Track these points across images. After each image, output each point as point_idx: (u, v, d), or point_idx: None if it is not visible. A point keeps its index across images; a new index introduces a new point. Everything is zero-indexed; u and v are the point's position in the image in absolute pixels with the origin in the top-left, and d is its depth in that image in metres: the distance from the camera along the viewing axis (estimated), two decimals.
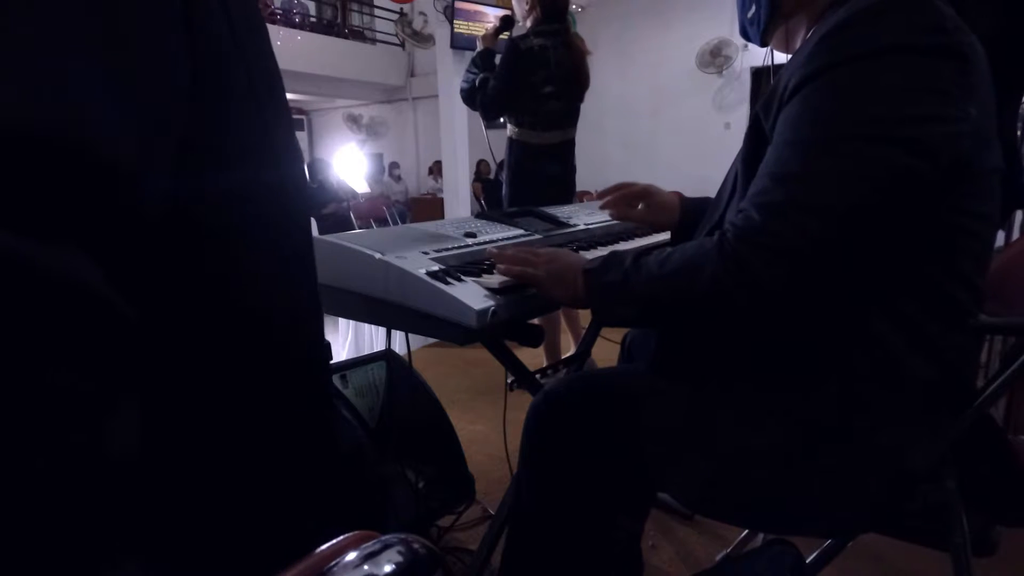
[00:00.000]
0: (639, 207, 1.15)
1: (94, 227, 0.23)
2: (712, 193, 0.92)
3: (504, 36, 2.51)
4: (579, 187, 2.75)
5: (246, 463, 0.36)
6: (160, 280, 0.29)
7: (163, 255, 0.28)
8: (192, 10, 0.28)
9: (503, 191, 2.57)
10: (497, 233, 1.13)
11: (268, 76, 0.34)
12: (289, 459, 0.39)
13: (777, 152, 0.70)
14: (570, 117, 2.46)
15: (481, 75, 2.39)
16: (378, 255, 0.87)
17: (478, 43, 2.50)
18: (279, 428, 0.38)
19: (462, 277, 0.86)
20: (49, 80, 0.21)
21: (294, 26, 8.59)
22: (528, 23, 2.36)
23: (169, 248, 0.28)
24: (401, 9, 8.14)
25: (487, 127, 2.70)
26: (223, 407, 0.34)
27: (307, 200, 0.37)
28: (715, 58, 7.06)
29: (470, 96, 2.43)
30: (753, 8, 0.88)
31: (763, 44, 0.91)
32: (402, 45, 9.61)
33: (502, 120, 2.59)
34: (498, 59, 2.40)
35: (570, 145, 2.52)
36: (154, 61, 0.26)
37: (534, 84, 2.32)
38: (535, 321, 1.90)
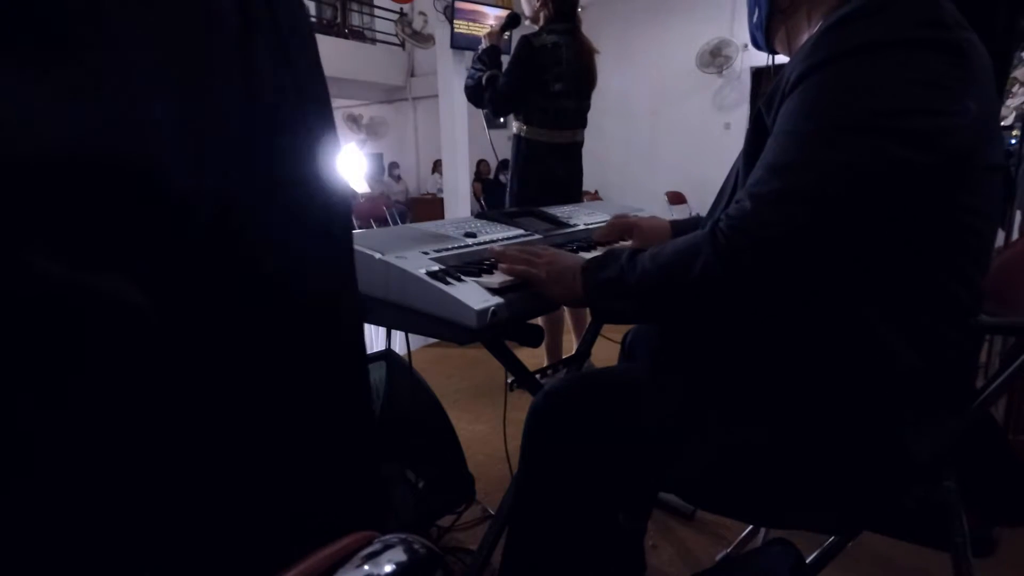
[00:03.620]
0: (630, 241, 1.17)
1: (144, 244, 0.24)
2: (712, 193, 0.92)
3: (507, 35, 2.50)
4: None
5: (251, 462, 0.36)
6: (208, 286, 0.29)
7: (213, 262, 0.29)
8: (249, 35, 0.29)
9: (508, 189, 2.55)
10: (497, 233, 1.13)
11: (315, 84, 0.35)
12: (294, 457, 0.39)
13: (775, 143, 0.71)
14: (580, 117, 2.45)
15: (488, 72, 2.36)
16: (378, 255, 0.87)
17: (484, 40, 2.47)
18: (286, 426, 0.38)
19: (462, 277, 0.86)
20: (131, 114, 0.22)
21: None
22: (540, 21, 2.36)
23: (218, 254, 0.29)
24: (401, 9, 8.14)
25: (489, 127, 2.69)
26: (233, 407, 0.34)
27: (346, 198, 0.38)
28: (715, 58, 7.06)
29: (475, 93, 2.40)
30: (756, 11, 0.90)
31: (769, 48, 0.93)
32: (402, 45, 9.61)
33: (502, 120, 2.56)
34: (504, 57, 2.39)
35: (578, 148, 2.50)
36: (221, 97, 0.27)
37: (545, 81, 2.30)
38: (535, 321, 1.91)
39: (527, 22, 2.45)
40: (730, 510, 0.89)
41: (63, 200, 0.21)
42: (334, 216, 0.38)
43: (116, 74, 0.22)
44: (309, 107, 0.35)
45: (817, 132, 0.67)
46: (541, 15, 2.35)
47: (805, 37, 0.84)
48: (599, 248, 1.18)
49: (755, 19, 0.91)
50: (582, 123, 2.48)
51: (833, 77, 0.68)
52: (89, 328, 0.22)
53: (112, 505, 0.24)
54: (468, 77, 2.45)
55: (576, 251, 1.13)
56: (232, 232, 0.30)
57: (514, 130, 2.46)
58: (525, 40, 2.30)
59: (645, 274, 0.75)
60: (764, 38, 0.91)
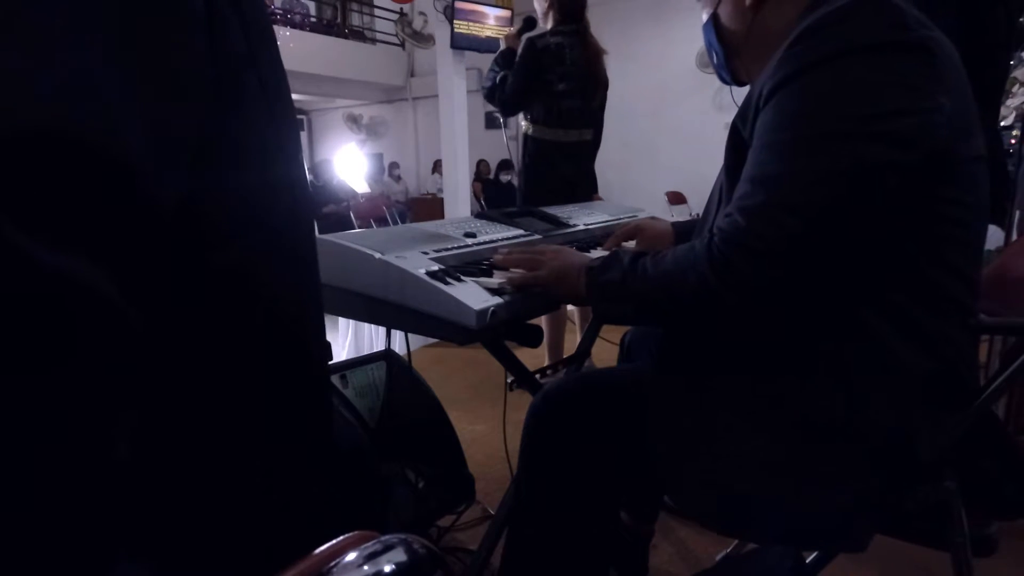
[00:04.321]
0: (633, 243, 1.18)
1: (107, 229, 0.23)
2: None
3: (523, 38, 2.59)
4: None
5: (249, 462, 0.36)
6: (173, 279, 0.29)
7: (178, 254, 0.29)
8: (214, 23, 0.29)
9: (517, 186, 2.62)
10: (497, 233, 1.13)
11: (277, 81, 0.35)
12: (291, 458, 0.39)
13: (756, 156, 0.72)
14: (586, 117, 2.51)
15: (502, 73, 2.46)
16: (378, 255, 0.87)
17: (501, 42, 2.58)
18: (282, 426, 0.38)
19: (462, 277, 0.86)
20: (79, 84, 0.22)
21: (294, 26, 8.59)
22: (548, 23, 2.43)
23: (184, 247, 0.29)
24: (401, 9, 8.14)
25: (488, 127, 2.74)
26: (228, 405, 0.34)
27: (311, 198, 0.38)
28: None
29: (491, 93, 2.50)
30: (714, 55, 0.93)
31: (737, 83, 0.95)
32: (402, 45, 9.61)
33: (502, 120, 2.59)
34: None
35: (586, 147, 2.55)
36: (180, 71, 0.27)
37: (549, 81, 2.39)
38: (535, 321, 1.91)
39: (541, 24, 2.52)
40: (734, 526, 0.86)
41: (27, 182, 0.20)
42: (300, 219, 0.37)
43: (76, 59, 0.22)
44: (275, 105, 0.34)
45: (796, 141, 0.68)
46: (549, 16, 2.42)
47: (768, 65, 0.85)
48: (601, 249, 1.18)
49: (715, 61, 0.94)
50: (590, 123, 2.54)
51: (805, 87, 0.69)
52: (68, 316, 0.21)
53: (106, 503, 0.24)
54: (485, 79, 2.55)
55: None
56: (198, 229, 0.30)
57: (523, 129, 2.54)
58: (529, 42, 2.39)
59: (646, 281, 0.76)
60: (729, 76, 0.93)
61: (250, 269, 0.34)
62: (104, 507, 0.24)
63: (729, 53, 0.90)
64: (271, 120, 0.34)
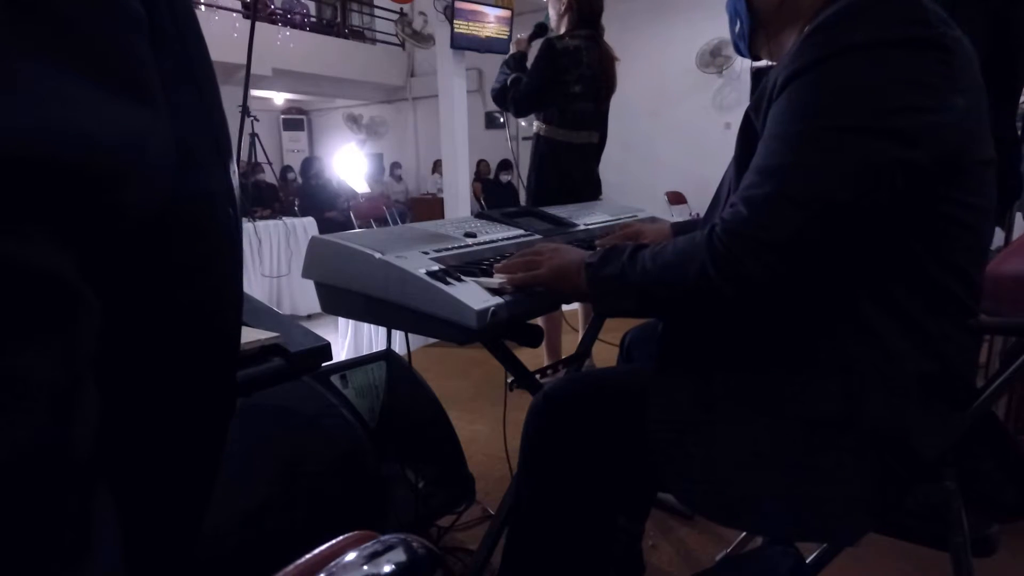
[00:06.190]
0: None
1: (75, 227, 0.23)
2: (712, 193, 0.92)
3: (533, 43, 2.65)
4: None
5: (206, 457, 0.36)
6: (138, 276, 0.29)
7: (146, 252, 0.29)
8: (154, 31, 0.29)
9: (526, 185, 2.68)
10: (497, 233, 1.13)
11: (211, 80, 0.35)
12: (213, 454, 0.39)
13: (765, 146, 0.71)
14: (596, 119, 2.56)
15: (513, 75, 2.53)
16: (378, 255, 0.87)
17: (511, 46, 2.66)
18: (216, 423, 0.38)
19: (462, 277, 0.86)
20: (50, 99, 0.22)
21: (294, 26, 8.59)
22: (563, 26, 2.48)
23: (152, 246, 0.29)
24: (401, 9, 8.13)
25: (488, 127, 2.77)
26: (182, 401, 0.35)
27: (238, 214, 0.38)
28: (715, 58, 7.06)
29: (501, 95, 2.56)
30: (738, 23, 0.92)
31: (753, 56, 0.94)
32: (402, 45, 9.60)
33: (501, 120, 2.63)
34: (530, 61, 2.54)
35: (591, 149, 2.61)
36: (133, 74, 0.27)
37: (565, 82, 2.44)
38: (535, 321, 1.91)
39: (554, 27, 2.56)
40: (734, 519, 0.87)
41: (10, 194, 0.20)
42: (234, 228, 0.37)
43: (49, 77, 0.22)
44: (214, 114, 0.34)
45: (805, 134, 0.68)
46: (566, 19, 2.47)
47: (790, 43, 0.85)
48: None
49: (737, 30, 0.93)
50: (599, 125, 2.59)
51: (819, 79, 0.68)
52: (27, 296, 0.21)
53: (68, 497, 0.24)
54: (495, 81, 2.60)
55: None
56: (165, 235, 0.30)
57: (534, 129, 2.60)
58: (548, 42, 2.44)
59: (645, 274, 0.75)
60: (747, 48, 0.93)
61: (213, 268, 0.35)
62: (63, 500, 0.23)
63: (755, 23, 0.89)
64: (210, 113, 0.34)
